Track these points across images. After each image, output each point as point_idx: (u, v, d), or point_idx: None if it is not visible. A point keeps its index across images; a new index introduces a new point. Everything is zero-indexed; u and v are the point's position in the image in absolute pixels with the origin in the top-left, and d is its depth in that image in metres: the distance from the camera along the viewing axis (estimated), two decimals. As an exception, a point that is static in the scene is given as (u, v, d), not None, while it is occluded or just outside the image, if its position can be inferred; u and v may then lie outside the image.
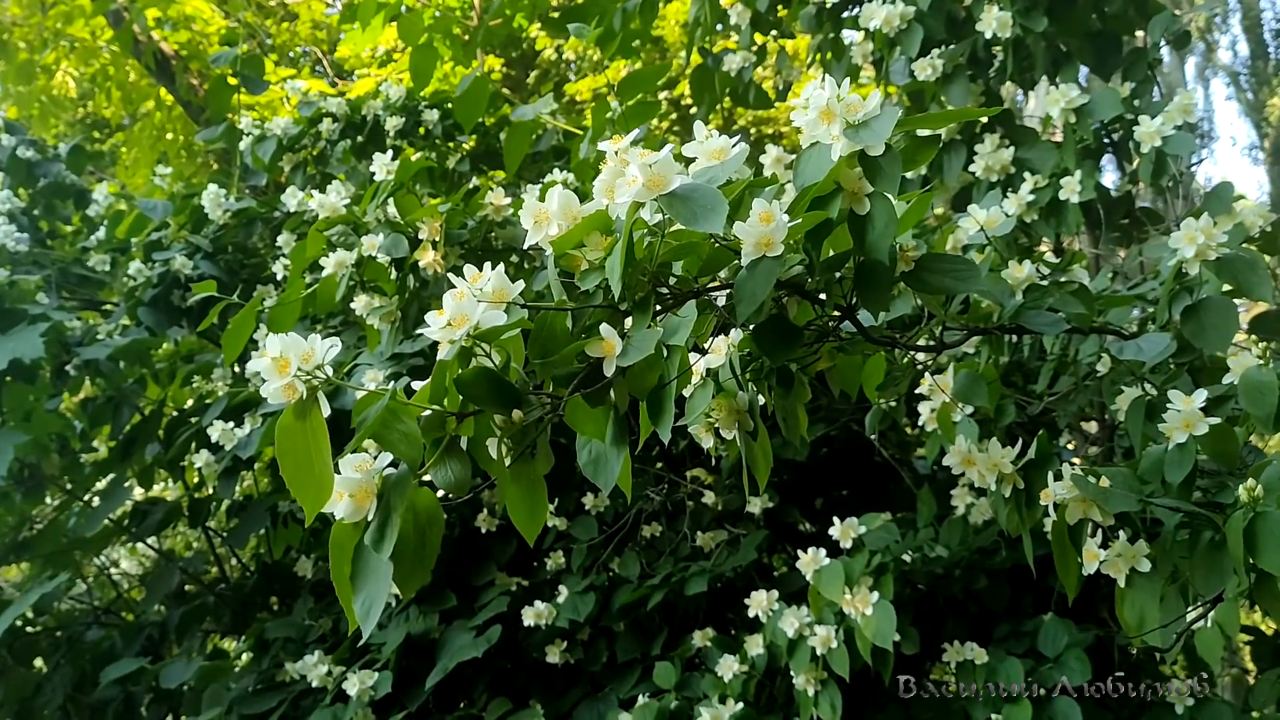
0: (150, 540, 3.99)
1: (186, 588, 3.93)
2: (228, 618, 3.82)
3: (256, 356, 0.99)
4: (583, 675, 3.07)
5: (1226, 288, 1.73)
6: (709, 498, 3.30)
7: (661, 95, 6.80)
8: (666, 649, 3.00)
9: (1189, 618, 1.58)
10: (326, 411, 0.98)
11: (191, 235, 3.60)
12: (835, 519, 2.56)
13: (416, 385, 1.09)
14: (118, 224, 3.80)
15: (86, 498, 3.96)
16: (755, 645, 2.63)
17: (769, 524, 3.31)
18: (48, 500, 4.00)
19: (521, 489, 1.11)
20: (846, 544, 2.53)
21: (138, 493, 3.91)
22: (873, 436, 2.32)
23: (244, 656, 3.38)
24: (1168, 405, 1.53)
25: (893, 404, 2.21)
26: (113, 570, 4.53)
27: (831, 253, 1.25)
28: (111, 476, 3.75)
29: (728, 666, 2.62)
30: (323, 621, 3.34)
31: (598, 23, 3.22)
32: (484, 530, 3.21)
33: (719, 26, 3.54)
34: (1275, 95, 13.98)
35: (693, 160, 1.23)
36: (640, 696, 2.76)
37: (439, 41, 4.50)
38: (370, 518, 0.99)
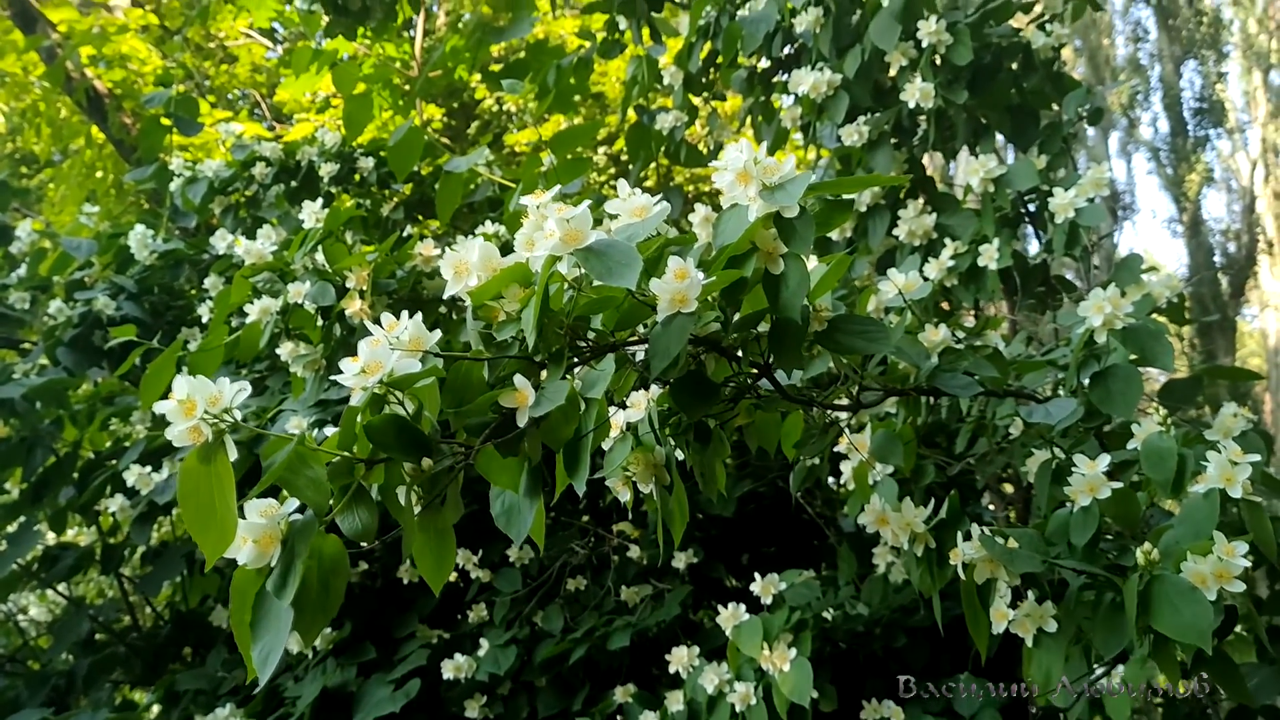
0: (60, 586, 3.87)
1: (96, 636, 3.80)
2: (139, 668, 3.70)
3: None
4: (502, 731, 3.03)
5: (1132, 356, 1.79)
6: (635, 552, 3.29)
7: (601, 150, 6.87)
8: (588, 704, 2.97)
9: (1094, 677, 1.61)
10: (233, 455, 0.97)
11: (116, 275, 3.55)
12: (757, 575, 2.56)
13: (331, 431, 1.08)
14: (40, 261, 3.73)
15: (-6, 541, 3.83)
16: (676, 701, 2.61)
17: (694, 579, 3.30)
18: (-47, 543, 3.87)
19: (429, 538, 1.10)
20: (767, 600, 2.53)
21: (49, 537, 3.79)
22: (797, 494, 2.33)
23: (154, 708, 3.28)
24: (1073, 469, 1.57)
25: (816, 461, 2.23)
26: (20, 617, 4.38)
27: (752, 311, 1.27)
28: (22, 520, 3.64)
29: (647, 723, 2.60)
30: (236, 673, 3.25)
31: (532, 78, 3.26)
32: (406, 581, 3.16)
33: (658, 85, 3.61)
34: (1193, 171, 14.52)
35: (616, 217, 1.26)
36: (559, 753, 2.73)
37: (377, 91, 4.52)
38: (273, 564, 0.98)
